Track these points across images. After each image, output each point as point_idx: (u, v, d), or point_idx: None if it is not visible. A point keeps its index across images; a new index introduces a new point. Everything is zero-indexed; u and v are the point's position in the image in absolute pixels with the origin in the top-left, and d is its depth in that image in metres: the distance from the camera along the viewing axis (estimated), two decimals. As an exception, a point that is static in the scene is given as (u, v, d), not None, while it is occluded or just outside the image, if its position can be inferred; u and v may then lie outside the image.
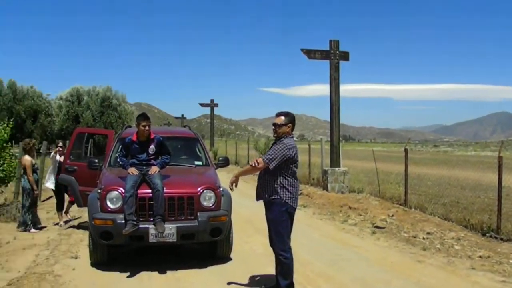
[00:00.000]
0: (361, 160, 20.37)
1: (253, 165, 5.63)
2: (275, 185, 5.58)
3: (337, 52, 15.36)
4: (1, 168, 11.35)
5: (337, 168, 15.20)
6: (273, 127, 5.73)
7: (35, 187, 9.58)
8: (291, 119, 5.70)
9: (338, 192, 14.75)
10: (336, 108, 15.44)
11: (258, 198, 5.84)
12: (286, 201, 5.57)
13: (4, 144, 11.53)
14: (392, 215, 10.81)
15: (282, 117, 5.69)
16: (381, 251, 8.17)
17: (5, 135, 11.41)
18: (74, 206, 10.63)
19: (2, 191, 13.31)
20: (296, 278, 5.84)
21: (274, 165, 5.48)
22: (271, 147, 5.73)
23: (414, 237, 9.04)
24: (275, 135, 5.73)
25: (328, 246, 8.43)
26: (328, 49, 15.38)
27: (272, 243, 5.72)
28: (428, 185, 14.09)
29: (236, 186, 5.84)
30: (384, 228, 9.88)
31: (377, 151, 16.28)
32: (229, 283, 6.24)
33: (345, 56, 15.56)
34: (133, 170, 6.88)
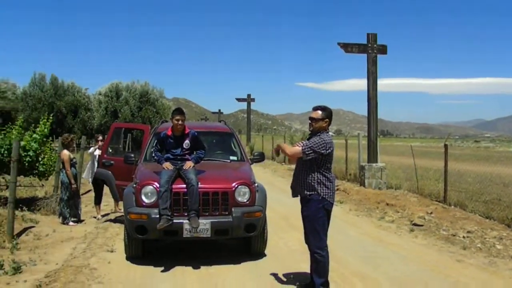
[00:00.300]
0: (399, 155, 20.06)
1: (284, 150, 5.69)
2: (312, 181, 5.46)
3: (375, 45, 15.11)
4: (41, 162, 11.58)
5: (374, 164, 14.97)
6: (309, 121, 5.61)
7: (72, 181, 9.73)
8: (328, 114, 5.58)
9: (375, 188, 14.53)
10: (373, 103, 15.21)
11: (294, 194, 5.75)
12: (324, 197, 5.46)
13: (45, 139, 11.76)
14: (431, 213, 10.57)
15: (319, 112, 5.56)
16: (419, 249, 7.97)
17: (46, 130, 11.63)
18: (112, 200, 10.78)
19: (43, 185, 13.63)
20: (331, 276, 5.75)
21: (309, 157, 5.38)
22: (307, 140, 5.61)
23: (454, 235, 8.80)
24: (311, 129, 5.62)
25: (365, 244, 8.28)
26: (365, 42, 15.15)
27: (307, 241, 5.64)
28: (469, 181, 13.72)
29: (278, 155, 6.07)
30: (422, 225, 9.65)
31: (416, 146, 16.01)
32: (262, 280, 6.19)
33: (382, 49, 15.29)
34: (167, 165, 6.90)
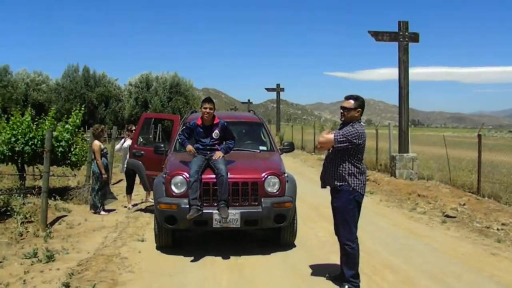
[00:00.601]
0: (431, 145, 19.74)
1: (320, 140, 5.52)
2: (343, 172, 5.36)
3: (406, 33, 14.86)
4: (73, 152, 11.75)
5: (405, 154, 14.77)
6: (341, 111, 5.49)
7: (103, 171, 9.84)
8: (360, 103, 5.45)
9: (406, 178, 14.35)
10: (405, 92, 14.99)
11: (323, 185, 5.67)
12: (355, 188, 5.36)
13: (77, 130, 11.93)
14: (464, 204, 10.37)
15: (352, 101, 5.43)
16: (451, 241, 7.81)
17: (77, 120, 11.80)
18: (142, 189, 10.87)
19: (75, 175, 13.85)
20: (362, 268, 5.67)
21: (341, 146, 5.28)
22: (339, 130, 5.50)
23: (488, 227, 8.61)
24: (343, 119, 5.50)
25: (396, 235, 8.15)
26: (396, 30, 14.91)
27: (337, 232, 5.57)
28: (503, 172, 13.37)
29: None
30: (455, 217, 9.48)
31: (448, 136, 15.75)
32: (292, 271, 6.16)
33: (414, 37, 15.03)
34: (190, 148, 6.93)
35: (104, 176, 9.87)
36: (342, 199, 5.40)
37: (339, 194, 5.42)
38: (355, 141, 5.27)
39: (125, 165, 10.68)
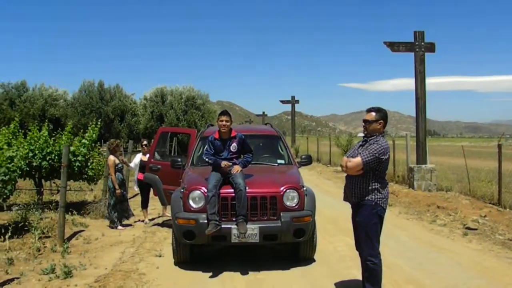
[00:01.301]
0: (448, 156, 19.58)
1: (344, 166, 5.28)
2: (366, 186, 5.21)
3: (422, 43, 14.76)
4: (90, 167, 11.79)
5: (423, 165, 14.61)
6: (363, 124, 5.37)
7: (116, 186, 9.80)
8: (382, 115, 5.32)
9: (425, 190, 14.18)
10: (422, 103, 14.86)
11: (346, 198, 5.55)
12: (377, 202, 5.21)
13: (93, 144, 11.97)
14: (485, 216, 10.19)
15: (373, 113, 5.30)
16: (474, 254, 7.64)
17: (94, 135, 11.85)
18: (159, 204, 10.83)
19: (92, 189, 13.88)
20: (383, 283, 5.54)
21: (370, 166, 5.12)
22: (361, 145, 5.35)
23: (511, 240, 8.42)
24: (365, 132, 5.37)
25: (416, 249, 8.00)
26: (412, 41, 14.81)
27: (359, 247, 5.43)
28: (525, 183, 13.18)
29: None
30: (476, 229, 9.30)
31: (465, 146, 15.58)
32: (312, 286, 6.05)
33: (430, 47, 14.92)
34: (226, 163, 6.81)
35: (118, 191, 9.82)
36: (364, 214, 5.25)
37: (362, 209, 5.27)
38: (382, 157, 5.15)
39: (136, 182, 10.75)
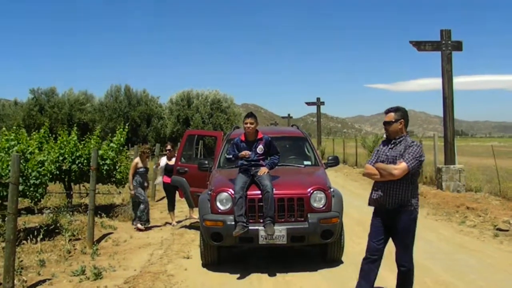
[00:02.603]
0: (477, 156, 19.29)
1: (385, 174, 4.91)
2: (407, 192, 4.92)
3: (449, 42, 14.59)
4: (118, 170, 11.95)
5: (452, 166, 14.42)
6: (384, 126, 5.19)
7: (131, 187, 10.01)
8: (402, 114, 5.09)
9: (454, 191, 14.00)
10: (449, 102, 14.68)
11: (374, 204, 5.18)
12: (416, 208, 4.98)
13: (121, 148, 12.13)
14: (516, 217, 9.99)
15: (392, 114, 5.10)
16: (505, 256, 7.50)
17: (122, 139, 12.01)
18: (186, 206, 10.90)
19: (120, 192, 14.05)
20: (414, 285, 5.48)
21: (414, 170, 4.91)
22: (391, 148, 5.06)
23: (544, 241, 8.26)
24: (387, 134, 5.17)
25: (446, 250, 7.89)
26: (439, 39, 14.64)
27: (398, 255, 5.11)
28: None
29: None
30: (507, 230, 9.13)
31: (494, 146, 15.33)
32: (341, 288, 6.02)
33: (457, 46, 14.74)
34: (245, 153, 6.90)
35: (132, 192, 10.03)
36: (404, 221, 4.96)
37: (401, 215, 4.96)
38: (422, 159, 4.96)
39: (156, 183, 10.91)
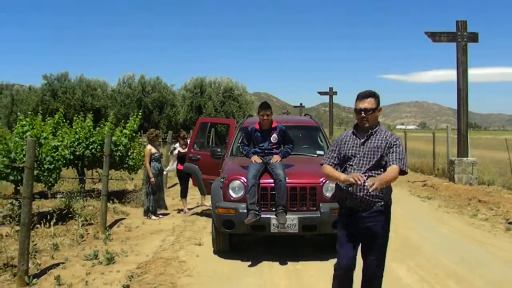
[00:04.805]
0: (490, 149, 19.11)
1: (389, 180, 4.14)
2: (389, 187, 4.32)
3: (465, 33, 14.39)
4: (131, 156, 12.02)
5: (465, 158, 14.31)
6: (362, 114, 4.26)
7: (151, 175, 9.86)
8: (379, 99, 4.34)
9: (466, 183, 13.90)
10: (464, 94, 14.53)
11: (362, 207, 4.23)
12: (389, 204, 4.35)
13: (134, 134, 12.19)
14: (529, 211, 9.92)
15: (372, 99, 4.27)
16: (517, 250, 7.46)
17: (135, 125, 12.08)
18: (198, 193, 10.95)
19: (132, 178, 14.15)
20: (424, 276, 5.54)
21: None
22: (363, 142, 4.27)
23: (557, 235, 8.20)
24: (366, 124, 4.28)
25: (457, 243, 7.86)
26: (454, 30, 14.48)
27: (370, 262, 4.40)
28: None
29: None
30: (520, 224, 9.07)
31: (508, 139, 15.18)
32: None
33: (473, 37, 14.54)
34: (256, 158, 6.90)
35: (152, 179, 9.84)
36: (388, 219, 4.36)
37: (387, 213, 4.33)
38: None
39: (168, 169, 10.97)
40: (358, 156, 4.26)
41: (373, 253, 4.35)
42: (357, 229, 4.26)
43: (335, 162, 4.43)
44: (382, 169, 4.22)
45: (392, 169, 4.14)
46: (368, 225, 4.22)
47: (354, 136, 4.36)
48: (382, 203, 4.22)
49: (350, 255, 4.30)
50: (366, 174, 4.16)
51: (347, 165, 4.32)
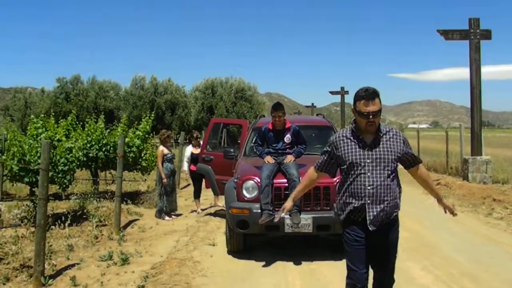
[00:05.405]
0: (504, 147, 18.94)
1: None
2: (398, 194, 3.85)
3: (478, 31, 14.27)
4: (144, 158, 12.07)
5: (478, 157, 14.19)
6: (370, 118, 3.68)
7: (163, 176, 9.87)
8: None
9: (480, 182, 13.78)
10: (477, 92, 14.41)
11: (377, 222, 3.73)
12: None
13: (147, 135, 12.25)
14: (545, 209, 9.82)
15: (378, 99, 3.72)
16: (533, 249, 7.39)
17: (148, 127, 12.13)
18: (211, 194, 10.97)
19: (145, 179, 14.20)
20: (439, 275, 5.50)
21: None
22: (372, 145, 3.74)
23: None
24: (371, 127, 3.72)
25: (472, 242, 7.80)
26: (467, 28, 14.37)
27: (381, 269, 3.95)
28: None
29: None
30: (535, 223, 8.98)
31: (522, 138, 15.12)
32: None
33: (486, 35, 14.41)
34: (269, 159, 6.90)
35: (165, 180, 9.86)
36: (397, 230, 3.94)
37: (396, 223, 3.91)
38: None
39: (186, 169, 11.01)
40: (368, 162, 3.70)
41: (388, 266, 3.91)
42: (373, 243, 3.77)
43: (325, 167, 4.04)
44: (395, 174, 3.79)
45: (426, 171, 3.99)
46: (385, 237, 3.80)
47: (350, 140, 3.79)
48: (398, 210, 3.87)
49: (364, 277, 3.78)
50: (384, 182, 3.68)
51: (357, 174, 3.72)
